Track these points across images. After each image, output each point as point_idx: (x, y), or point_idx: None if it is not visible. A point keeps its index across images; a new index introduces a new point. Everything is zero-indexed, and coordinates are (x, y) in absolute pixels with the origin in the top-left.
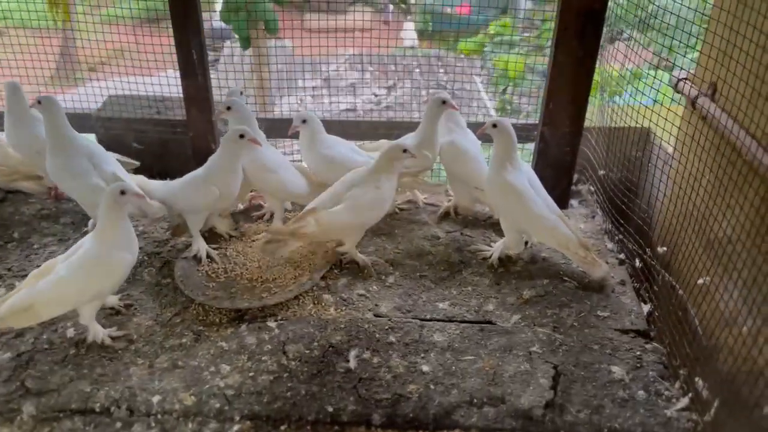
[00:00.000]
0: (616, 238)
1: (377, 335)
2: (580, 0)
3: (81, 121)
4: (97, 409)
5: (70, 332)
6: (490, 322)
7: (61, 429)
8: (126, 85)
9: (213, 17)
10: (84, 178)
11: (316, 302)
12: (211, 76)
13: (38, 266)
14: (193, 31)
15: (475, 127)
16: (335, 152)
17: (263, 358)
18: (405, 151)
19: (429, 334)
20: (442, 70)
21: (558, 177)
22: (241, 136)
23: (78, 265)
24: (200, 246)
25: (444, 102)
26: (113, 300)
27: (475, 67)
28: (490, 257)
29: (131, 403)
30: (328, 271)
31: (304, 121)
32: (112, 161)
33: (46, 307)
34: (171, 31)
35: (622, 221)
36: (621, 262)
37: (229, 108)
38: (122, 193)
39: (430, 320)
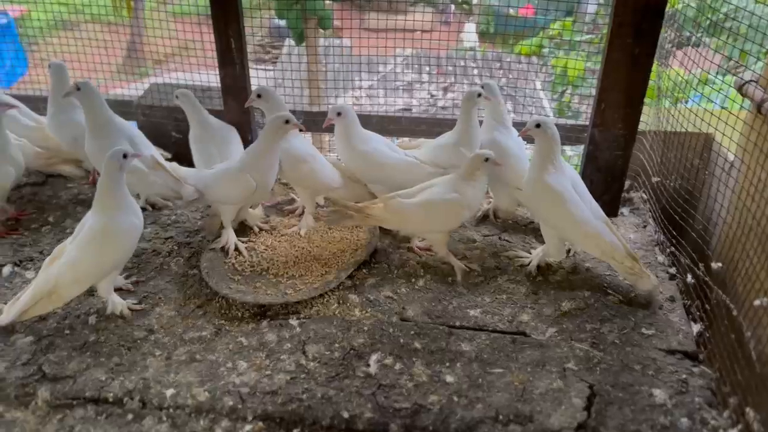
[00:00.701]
0: (668, 250)
1: (401, 340)
2: None
3: (123, 108)
4: (111, 399)
5: (92, 319)
6: (523, 334)
7: (74, 417)
8: (190, 77)
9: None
10: None
11: (341, 302)
12: (271, 71)
13: None
14: (232, 20)
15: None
16: (370, 148)
17: (282, 357)
18: (487, 159)
19: (457, 343)
20: (500, 71)
21: (608, 182)
22: (286, 122)
23: (89, 240)
24: (229, 238)
25: (479, 94)
26: (117, 307)
27: (535, 67)
28: (529, 264)
29: (144, 395)
30: (357, 271)
31: (339, 114)
32: (150, 145)
33: (68, 289)
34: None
35: (675, 233)
36: (672, 277)
37: (259, 96)
38: (125, 156)
39: (459, 328)
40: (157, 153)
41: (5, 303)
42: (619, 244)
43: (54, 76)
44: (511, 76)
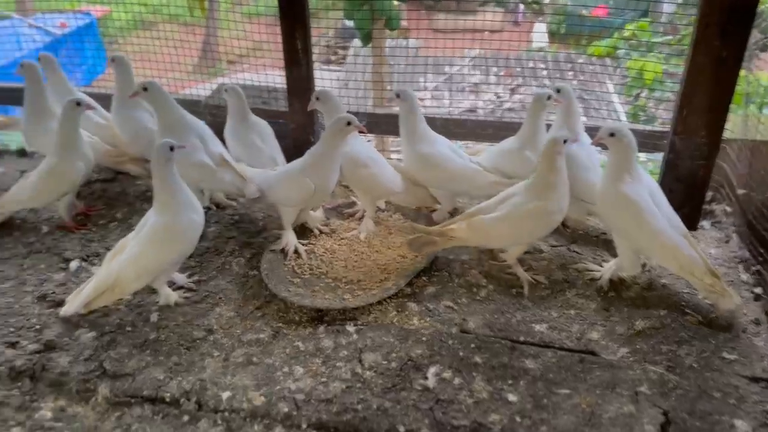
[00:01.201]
0: (753, 268)
1: (461, 353)
2: None
3: (191, 107)
4: (167, 399)
5: (154, 317)
6: (592, 353)
7: (131, 415)
8: (261, 78)
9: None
10: (192, 155)
11: (399, 310)
12: (339, 72)
13: None
14: (299, 22)
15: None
16: (433, 151)
17: (338, 364)
18: (566, 141)
19: (520, 359)
20: (571, 73)
21: (688, 193)
22: (348, 124)
23: (150, 237)
24: (289, 240)
25: (549, 97)
26: (171, 298)
27: (608, 69)
28: (600, 278)
29: (201, 396)
30: (416, 278)
31: (398, 96)
32: (219, 143)
33: (129, 283)
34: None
35: (762, 249)
36: (756, 298)
37: (318, 98)
38: (171, 149)
39: (523, 343)
40: (225, 151)
41: None
42: (698, 258)
43: (117, 70)
44: (582, 78)
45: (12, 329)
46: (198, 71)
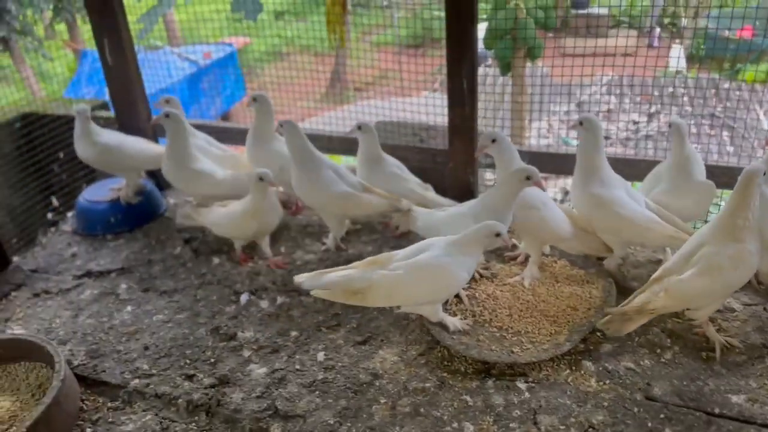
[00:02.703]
0: None
1: (649, 424)
2: None
3: (346, 145)
4: None
5: (320, 356)
6: None
7: None
8: (388, 104)
9: None
10: (333, 187)
11: (573, 368)
12: None
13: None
14: (468, 61)
15: None
16: (607, 193)
17: (511, 425)
18: (766, 173)
19: None
20: (714, 99)
21: None
22: (528, 178)
23: (417, 267)
24: None
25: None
26: (458, 323)
27: (759, 95)
28: None
29: None
30: (590, 333)
31: (581, 124)
32: (350, 175)
33: (376, 297)
34: (427, 56)
35: None
36: None
37: (494, 141)
38: (497, 234)
39: (718, 416)
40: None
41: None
42: None
43: (258, 108)
44: (728, 104)
45: (188, 361)
46: (327, 99)
